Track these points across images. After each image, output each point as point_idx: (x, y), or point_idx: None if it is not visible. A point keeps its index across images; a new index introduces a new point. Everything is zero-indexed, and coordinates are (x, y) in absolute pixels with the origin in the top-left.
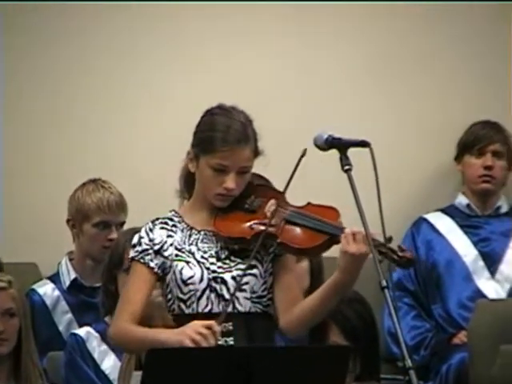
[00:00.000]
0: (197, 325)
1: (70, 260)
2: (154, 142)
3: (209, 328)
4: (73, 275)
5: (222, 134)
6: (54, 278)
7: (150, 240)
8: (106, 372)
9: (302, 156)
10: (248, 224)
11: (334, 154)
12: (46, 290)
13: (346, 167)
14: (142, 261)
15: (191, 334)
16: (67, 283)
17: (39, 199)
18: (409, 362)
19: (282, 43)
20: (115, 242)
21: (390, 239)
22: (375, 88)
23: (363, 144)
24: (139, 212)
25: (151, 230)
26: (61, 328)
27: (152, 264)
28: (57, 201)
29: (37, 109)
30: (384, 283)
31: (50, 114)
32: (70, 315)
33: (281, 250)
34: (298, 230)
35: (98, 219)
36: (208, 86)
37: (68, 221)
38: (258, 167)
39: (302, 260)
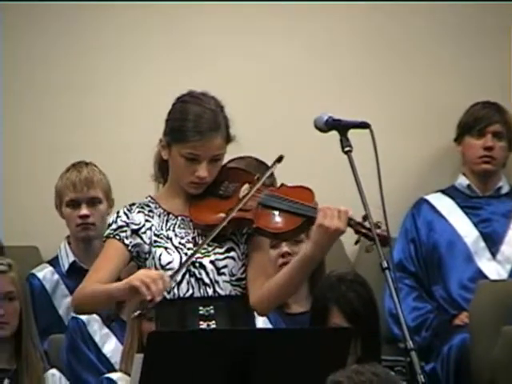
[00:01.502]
0: (148, 270)
1: (69, 244)
2: (144, 129)
3: (160, 275)
4: (71, 258)
5: (193, 124)
6: (54, 262)
7: (128, 219)
8: (108, 355)
9: (278, 161)
10: (223, 210)
11: (334, 135)
12: (46, 274)
13: (347, 149)
14: (117, 237)
15: (140, 276)
16: (66, 266)
17: (40, 183)
18: (410, 344)
19: (281, 26)
20: None
21: (365, 218)
22: (375, 70)
23: (363, 125)
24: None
25: (129, 211)
26: (61, 312)
27: (127, 241)
28: None
29: (34, 101)
30: (385, 264)
31: (48, 104)
32: (69, 299)
33: (258, 234)
34: (273, 213)
35: (67, 198)
36: (196, 75)
37: (56, 207)
38: (258, 152)
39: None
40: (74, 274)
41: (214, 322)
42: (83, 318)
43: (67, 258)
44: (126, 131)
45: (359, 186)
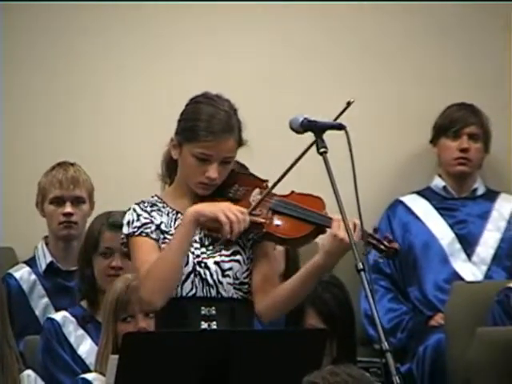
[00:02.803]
0: (232, 206)
1: (46, 244)
2: (142, 130)
3: (243, 214)
4: (49, 259)
5: (206, 124)
6: (31, 262)
7: (150, 215)
8: (83, 356)
9: (348, 105)
10: None
11: (309, 136)
12: (23, 274)
13: (322, 150)
14: (143, 234)
15: (226, 211)
16: (43, 267)
17: (16, 184)
18: (385, 345)
19: (259, 29)
20: (90, 225)
21: (376, 230)
22: (352, 70)
23: (339, 127)
24: (121, 197)
25: (146, 207)
26: (37, 312)
27: (154, 235)
28: (34, 185)
29: (22, 96)
30: (360, 266)
31: (36, 100)
32: (46, 299)
33: (266, 239)
34: (283, 219)
35: (52, 195)
36: (194, 74)
37: (37, 204)
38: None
39: None
40: (51, 275)
41: (215, 322)
42: (58, 319)
43: (44, 259)
44: (122, 135)
45: (335, 187)
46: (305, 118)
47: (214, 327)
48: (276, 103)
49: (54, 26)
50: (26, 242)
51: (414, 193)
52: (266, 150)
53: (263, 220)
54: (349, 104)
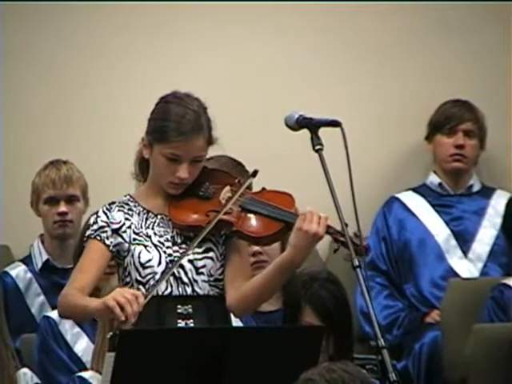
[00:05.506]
0: (124, 290)
1: (42, 242)
2: (137, 125)
3: (134, 296)
4: (45, 257)
5: (175, 125)
6: (27, 260)
7: (108, 218)
8: (79, 354)
9: (252, 175)
10: (203, 212)
11: (305, 133)
12: (19, 273)
13: (317, 147)
14: (98, 238)
15: (116, 295)
16: (39, 265)
17: (11, 182)
18: (382, 342)
19: (257, 27)
20: (86, 223)
21: (345, 226)
22: (348, 67)
23: (334, 124)
24: (116, 192)
25: (109, 210)
26: (33, 310)
27: (107, 242)
28: (29, 183)
29: (20, 95)
30: (356, 262)
31: (33, 100)
32: (42, 297)
33: (237, 237)
34: (253, 217)
35: (46, 195)
36: (185, 72)
37: (31, 204)
38: (230, 150)
39: None
40: (47, 273)
41: (191, 320)
42: (54, 317)
43: (40, 257)
44: (116, 130)
45: (330, 184)
46: (300, 115)
47: (191, 325)
48: (274, 102)
49: (47, 25)
50: (21, 241)
51: (409, 190)
52: (267, 148)
53: (233, 219)
54: (254, 174)
